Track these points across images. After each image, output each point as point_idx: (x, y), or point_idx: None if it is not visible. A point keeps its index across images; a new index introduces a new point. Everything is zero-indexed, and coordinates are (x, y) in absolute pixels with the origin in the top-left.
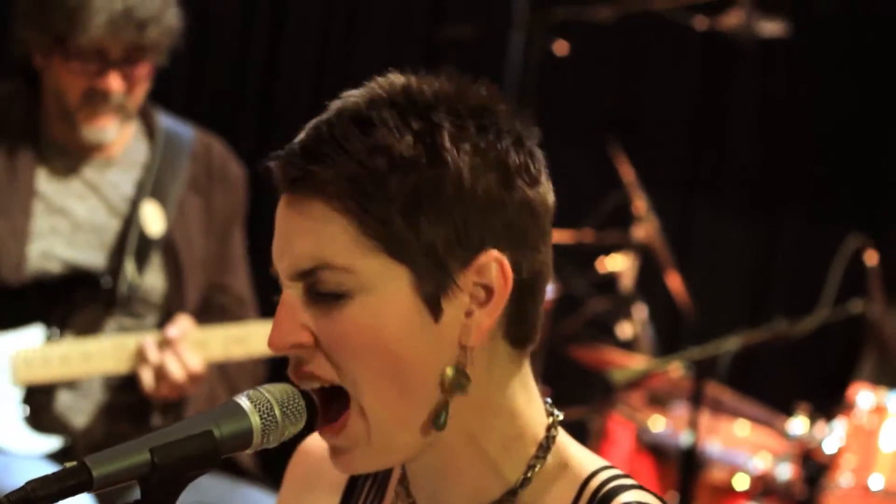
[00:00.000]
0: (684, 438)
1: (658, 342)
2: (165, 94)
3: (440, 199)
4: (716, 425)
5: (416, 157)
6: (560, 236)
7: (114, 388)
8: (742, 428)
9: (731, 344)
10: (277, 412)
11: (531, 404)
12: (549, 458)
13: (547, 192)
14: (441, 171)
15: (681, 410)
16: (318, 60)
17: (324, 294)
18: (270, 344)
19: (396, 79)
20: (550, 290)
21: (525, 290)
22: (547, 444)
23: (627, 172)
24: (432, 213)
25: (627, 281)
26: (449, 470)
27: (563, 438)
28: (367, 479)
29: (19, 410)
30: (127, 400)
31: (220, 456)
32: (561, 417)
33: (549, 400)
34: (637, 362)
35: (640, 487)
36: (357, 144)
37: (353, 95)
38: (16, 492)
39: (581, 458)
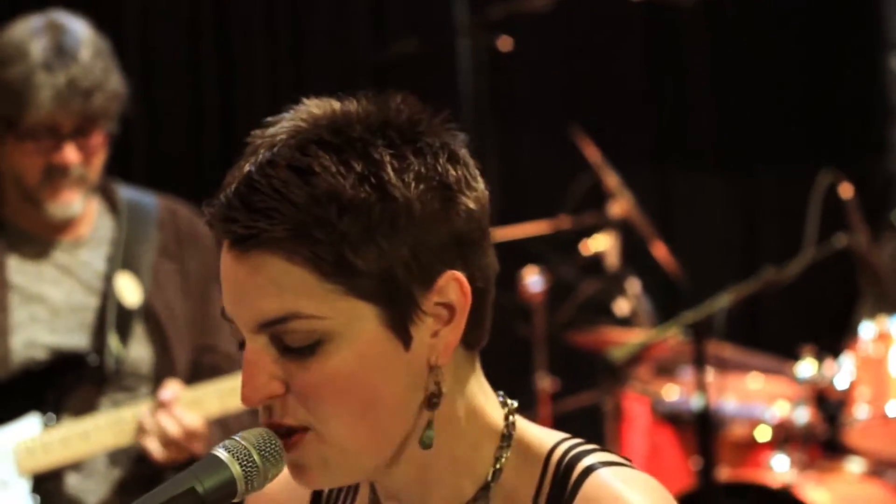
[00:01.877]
0: (695, 402)
1: (657, 313)
2: (124, 161)
3: (394, 232)
4: (727, 383)
5: (364, 198)
6: (539, 227)
7: (119, 463)
8: (754, 381)
9: (723, 301)
10: (256, 457)
11: (488, 399)
12: (513, 444)
13: (483, 193)
14: (391, 205)
15: (689, 375)
16: (270, 102)
17: (294, 347)
18: (244, 401)
19: (317, 110)
20: (539, 282)
21: (481, 297)
22: (508, 432)
23: (593, 153)
24: (388, 247)
25: (613, 259)
26: (423, 481)
27: (522, 424)
28: (330, 499)
29: (31, 501)
30: (134, 471)
31: None
32: (515, 405)
33: (500, 392)
34: (637, 337)
35: (601, 450)
36: (301, 194)
37: (279, 135)
38: None
39: (540, 437)
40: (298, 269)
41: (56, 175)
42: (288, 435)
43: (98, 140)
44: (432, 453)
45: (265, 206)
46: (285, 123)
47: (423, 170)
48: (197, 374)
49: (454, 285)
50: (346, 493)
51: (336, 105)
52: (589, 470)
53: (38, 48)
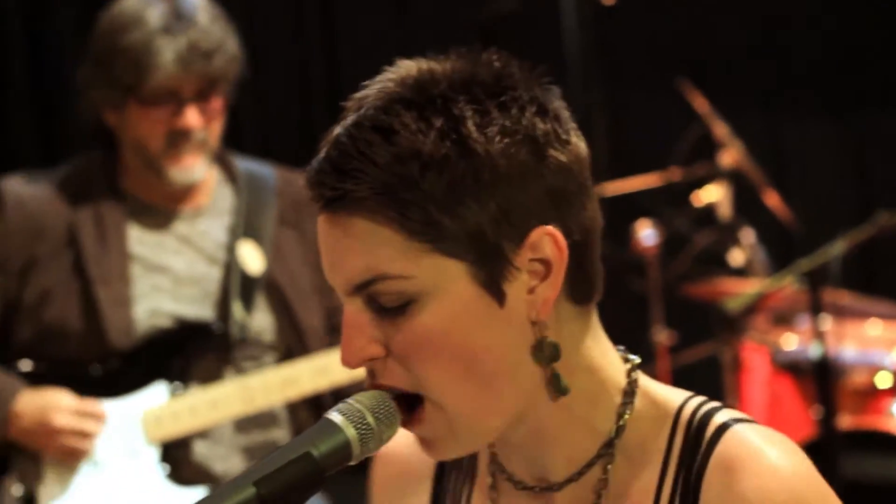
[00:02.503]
0: (813, 350)
1: (772, 262)
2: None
3: (478, 188)
4: (845, 330)
5: (445, 154)
6: (650, 180)
7: (245, 430)
8: (873, 327)
9: (838, 248)
10: (371, 419)
11: (606, 355)
12: (636, 402)
13: (579, 148)
14: (473, 161)
15: (807, 324)
16: (376, 65)
17: (388, 307)
18: (344, 362)
19: (407, 70)
20: (652, 236)
21: (580, 251)
22: (630, 389)
23: (701, 104)
24: (474, 204)
25: (726, 209)
26: (543, 438)
27: (645, 381)
28: (455, 464)
29: (160, 469)
30: (260, 438)
31: (323, 475)
32: (638, 361)
33: (621, 347)
34: (753, 287)
35: (728, 407)
36: (384, 154)
37: (367, 98)
38: None
39: (666, 395)
40: (384, 228)
41: (178, 140)
42: (403, 401)
43: (217, 104)
44: (549, 410)
45: (351, 167)
46: (375, 86)
47: (507, 123)
48: (332, 335)
49: (548, 240)
50: (470, 461)
51: (426, 64)
52: (724, 427)
53: (155, 13)
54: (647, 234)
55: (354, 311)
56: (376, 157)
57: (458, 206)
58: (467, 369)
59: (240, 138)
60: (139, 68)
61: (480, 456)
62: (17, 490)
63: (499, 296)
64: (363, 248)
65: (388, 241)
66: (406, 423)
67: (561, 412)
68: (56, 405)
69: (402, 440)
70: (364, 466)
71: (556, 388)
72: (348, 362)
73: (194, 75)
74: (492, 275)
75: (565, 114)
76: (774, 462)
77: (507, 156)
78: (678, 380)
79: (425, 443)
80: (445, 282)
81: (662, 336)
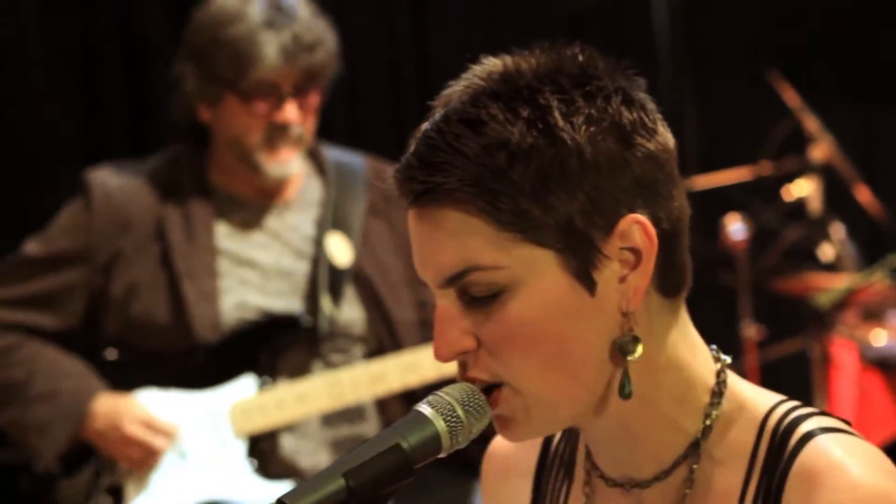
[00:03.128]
0: None
1: (862, 257)
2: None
3: (566, 176)
4: None
5: (532, 143)
6: (740, 174)
7: (332, 424)
8: None
9: None
10: (460, 412)
11: (695, 352)
12: (724, 402)
13: (666, 138)
14: (560, 150)
15: None
16: (463, 47)
17: (479, 298)
18: (437, 355)
19: (493, 65)
20: (742, 230)
21: (669, 240)
22: (719, 389)
23: (792, 97)
24: (562, 193)
25: (816, 203)
26: (629, 435)
27: (734, 381)
28: (555, 459)
29: (247, 463)
30: (348, 433)
31: (413, 467)
32: (728, 361)
33: (713, 346)
34: (843, 282)
35: (821, 413)
36: (473, 146)
37: (454, 93)
38: None
39: (755, 397)
40: (474, 219)
41: (276, 134)
42: (486, 392)
43: (315, 100)
44: (634, 405)
45: (439, 160)
46: (462, 82)
47: (593, 112)
48: (422, 328)
49: (637, 228)
50: (567, 449)
51: (511, 59)
52: (808, 437)
53: (257, 8)
54: (736, 228)
55: (446, 305)
56: (465, 149)
57: (547, 196)
58: (556, 358)
59: (330, 136)
60: (241, 62)
61: (578, 451)
62: (105, 481)
63: (589, 285)
64: (454, 241)
65: (478, 231)
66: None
67: (646, 409)
68: (129, 413)
69: None
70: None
71: (620, 390)
72: (441, 355)
73: (296, 69)
74: (582, 264)
75: (651, 105)
76: (854, 477)
77: (594, 144)
78: (766, 375)
79: (501, 421)
80: (536, 271)
81: (751, 331)
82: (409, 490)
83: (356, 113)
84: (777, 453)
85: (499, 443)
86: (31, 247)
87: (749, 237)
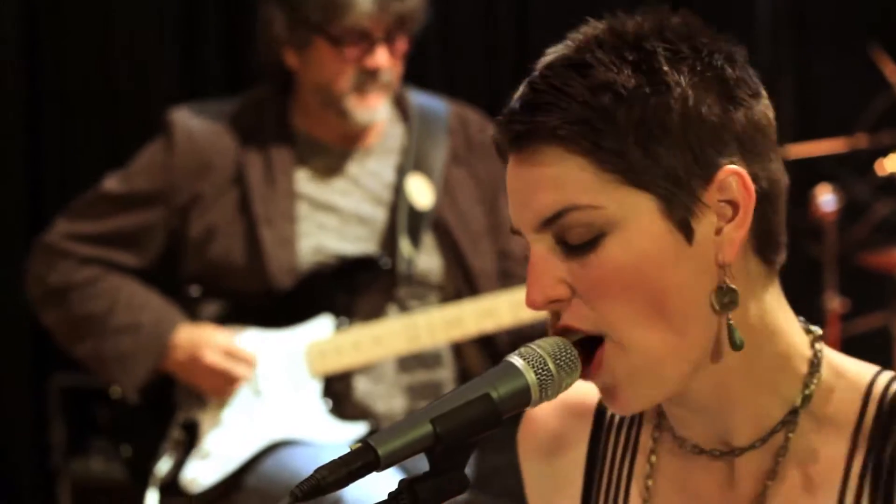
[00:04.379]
0: None
1: None
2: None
3: (670, 122)
4: None
5: (638, 86)
6: (834, 145)
7: (408, 369)
8: None
9: None
10: (551, 366)
11: (790, 321)
12: (823, 372)
13: (767, 107)
14: (665, 95)
15: None
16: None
17: (575, 245)
18: (529, 304)
19: (595, 23)
20: (833, 201)
21: (766, 201)
22: (817, 359)
23: (893, 71)
24: (665, 138)
25: None
26: (726, 399)
27: (829, 352)
28: (612, 429)
29: (321, 403)
30: (423, 378)
31: (500, 417)
32: (820, 333)
33: (801, 318)
34: None
35: None
36: (578, 87)
37: (556, 49)
38: (306, 480)
39: (855, 368)
40: (575, 157)
41: (366, 79)
42: (585, 348)
43: (403, 46)
44: (735, 365)
45: (543, 101)
46: (566, 41)
47: (697, 64)
48: (500, 278)
49: (735, 179)
50: (632, 418)
51: (615, 19)
52: None
53: None
54: (826, 199)
55: (541, 251)
56: (570, 90)
57: (649, 139)
58: (655, 306)
59: (426, 86)
60: (334, 7)
61: (645, 422)
62: (180, 417)
63: (687, 232)
64: (553, 180)
65: (578, 170)
66: (585, 374)
67: (747, 372)
68: (208, 342)
69: (548, 405)
70: None
71: (731, 339)
72: (534, 303)
73: (387, 15)
74: (680, 210)
75: (753, 72)
76: None
77: (698, 93)
78: (846, 348)
79: (606, 392)
80: (634, 214)
81: (834, 303)
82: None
83: (451, 63)
84: (887, 423)
85: (539, 409)
86: (111, 183)
87: (839, 209)
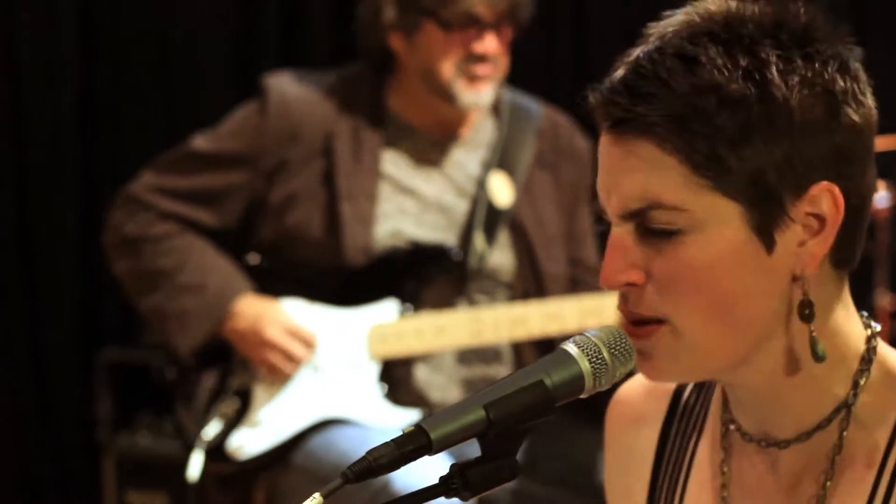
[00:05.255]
0: None
1: None
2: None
3: (770, 133)
4: None
5: (745, 94)
6: (888, 142)
7: (465, 362)
8: None
9: None
10: (606, 354)
11: (850, 320)
12: (874, 369)
13: (872, 111)
14: (771, 106)
15: None
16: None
17: (655, 231)
18: (604, 281)
19: (715, 7)
20: (886, 198)
21: (853, 215)
22: (868, 356)
23: None
24: (762, 148)
25: None
26: (775, 395)
27: (884, 348)
28: (685, 411)
29: (377, 386)
30: (481, 373)
31: (554, 404)
32: (878, 329)
33: (864, 313)
34: None
35: None
36: (684, 83)
37: (671, 26)
38: (358, 462)
39: None
40: (670, 157)
41: (473, 64)
42: (642, 324)
43: (509, 34)
44: (786, 365)
45: (646, 90)
46: (681, 16)
47: (808, 75)
48: (570, 285)
49: (827, 196)
50: (699, 401)
51: (733, 3)
52: None
53: None
54: (880, 196)
55: (621, 234)
56: (674, 85)
57: (747, 147)
58: (722, 309)
59: None
60: None
61: (713, 405)
62: (234, 383)
63: (768, 243)
64: (645, 173)
65: (671, 169)
66: (630, 333)
67: (799, 371)
68: (272, 317)
69: (636, 385)
70: None
71: (814, 351)
72: (608, 282)
73: (500, 2)
74: (765, 221)
75: (864, 75)
76: None
77: (804, 107)
78: (895, 345)
79: (644, 356)
80: (718, 220)
81: (885, 300)
82: (542, 445)
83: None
84: None
85: (626, 391)
86: (200, 141)
87: (892, 206)
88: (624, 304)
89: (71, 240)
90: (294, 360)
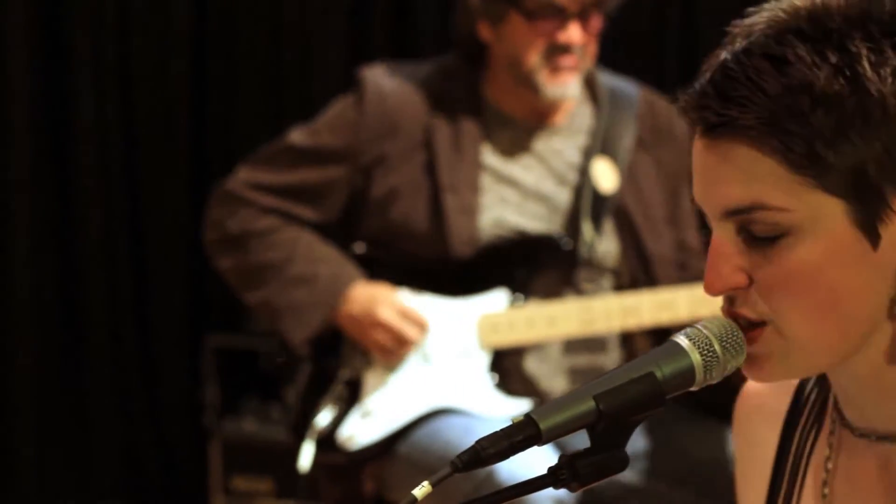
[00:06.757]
0: None
1: None
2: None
3: (866, 127)
4: None
5: (838, 90)
6: None
7: (574, 352)
8: None
9: None
10: (717, 347)
11: None
12: None
13: None
14: (865, 100)
15: None
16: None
17: (760, 238)
18: (707, 288)
19: (800, 1)
20: None
21: None
22: None
23: None
24: (860, 143)
25: None
26: (880, 387)
27: None
28: (806, 405)
29: (488, 376)
30: (586, 363)
31: (664, 396)
32: None
33: None
34: None
35: None
36: (775, 84)
37: (756, 25)
38: (466, 451)
39: None
40: (768, 159)
41: (557, 54)
42: (748, 328)
43: (597, 23)
44: (887, 360)
45: (738, 94)
46: (765, 13)
47: None
48: (679, 268)
49: None
50: (819, 397)
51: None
52: None
53: None
54: None
55: (723, 238)
56: (766, 86)
57: (844, 143)
58: (828, 307)
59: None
60: None
61: (830, 400)
62: (344, 374)
63: (874, 238)
64: (743, 177)
65: (770, 171)
66: None
67: None
68: (385, 299)
69: None
70: None
71: None
72: (713, 289)
73: None
74: (869, 216)
75: None
76: None
77: None
78: None
79: (754, 359)
80: (823, 218)
81: None
82: (661, 444)
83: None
84: None
85: (753, 385)
86: (298, 136)
87: None
88: (729, 307)
89: (180, 225)
90: (407, 343)
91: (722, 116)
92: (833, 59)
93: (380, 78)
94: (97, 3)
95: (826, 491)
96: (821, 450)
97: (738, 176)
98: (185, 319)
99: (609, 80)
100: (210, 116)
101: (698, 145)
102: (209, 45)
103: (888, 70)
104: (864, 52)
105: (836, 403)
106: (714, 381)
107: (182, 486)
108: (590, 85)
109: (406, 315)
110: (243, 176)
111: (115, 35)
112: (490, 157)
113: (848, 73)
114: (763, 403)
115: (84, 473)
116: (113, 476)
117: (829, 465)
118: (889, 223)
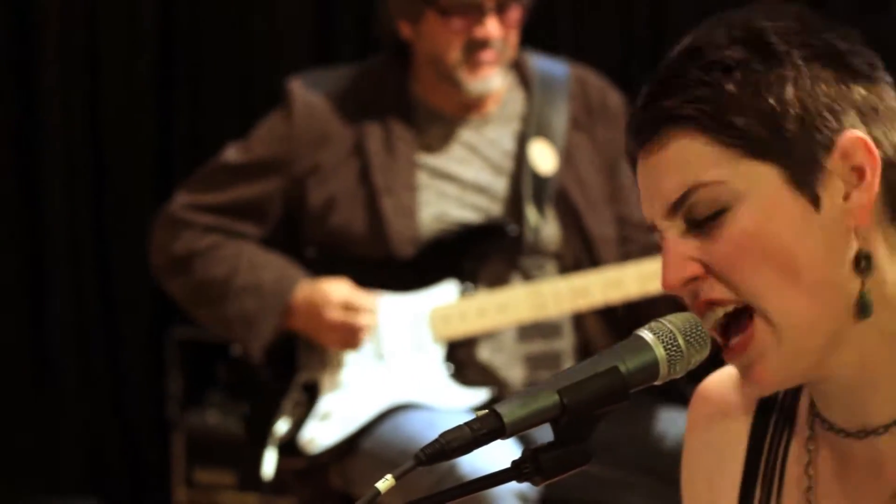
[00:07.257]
0: None
1: None
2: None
3: (785, 92)
4: None
5: (748, 59)
6: None
7: (528, 339)
8: None
9: None
10: (681, 341)
11: None
12: None
13: (888, 83)
14: (778, 66)
15: None
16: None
17: (702, 219)
18: (665, 285)
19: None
20: None
21: (894, 168)
22: None
23: None
24: (781, 107)
25: None
26: (868, 375)
27: None
28: (775, 406)
29: (443, 368)
30: (541, 349)
31: (628, 391)
32: None
33: None
34: None
35: None
36: (692, 69)
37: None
38: (430, 445)
39: None
40: (696, 142)
41: (476, 50)
42: (726, 331)
43: (516, 14)
44: (875, 340)
45: (661, 90)
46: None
47: (807, 37)
48: (620, 244)
49: (859, 145)
50: (787, 399)
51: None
52: None
53: None
54: None
55: (672, 236)
56: (684, 72)
57: (766, 109)
58: (789, 272)
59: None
60: None
61: (800, 405)
62: (301, 377)
63: (813, 199)
64: (677, 166)
65: (700, 152)
66: (728, 353)
67: (888, 345)
68: (327, 300)
69: (723, 378)
70: None
71: (861, 305)
72: (670, 285)
73: None
74: (805, 178)
75: (873, 56)
76: None
77: (811, 63)
78: None
79: (748, 371)
80: (759, 185)
81: None
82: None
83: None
84: None
85: (713, 382)
86: (231, 154)
87: None
88: (694, 301)
89: (144, 218)
90: (360, 331)
91: (648, 113)
92: (739, 34)
93: (306, 88)
94: (64, 3)
95: (811, 497)
96: (798, 457)
97: (672, 168)
98: (149, 312)
99: (540, 63)
100: (175, 114)
101: (639, 163)
102: (176, 46)
103: (796, 40)
104: (768, 26)
105: (814, 409)
106: (678, 376)
107: (145, 477)
108: (519, 69)
109: (351, 306)
110: (182, 199)
111: (83, 36)
112: (424, 154)
113: (756, 43)
114: (727, 403)
115: (48, 465)
116: (76, 467)
117: (811, 471)
118: (827, 183)
